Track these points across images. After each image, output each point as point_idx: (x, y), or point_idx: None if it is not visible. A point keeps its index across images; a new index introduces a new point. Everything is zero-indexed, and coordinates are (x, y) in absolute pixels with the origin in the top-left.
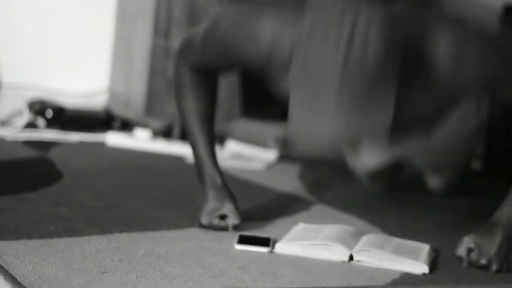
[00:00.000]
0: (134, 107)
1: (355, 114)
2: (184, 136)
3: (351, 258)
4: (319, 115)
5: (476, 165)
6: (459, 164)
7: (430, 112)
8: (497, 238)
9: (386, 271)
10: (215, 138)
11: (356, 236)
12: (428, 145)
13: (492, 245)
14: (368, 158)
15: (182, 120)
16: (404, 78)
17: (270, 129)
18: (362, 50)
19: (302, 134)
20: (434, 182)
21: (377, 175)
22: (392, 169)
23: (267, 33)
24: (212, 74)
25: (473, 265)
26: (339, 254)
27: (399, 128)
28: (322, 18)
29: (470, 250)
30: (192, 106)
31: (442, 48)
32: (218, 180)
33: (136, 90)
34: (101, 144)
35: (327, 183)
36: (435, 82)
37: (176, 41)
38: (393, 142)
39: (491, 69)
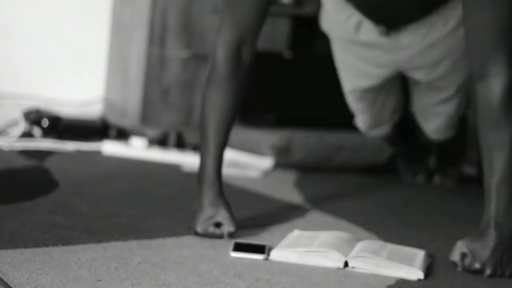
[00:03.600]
0: (130, 116)
1: None
2: (180, 144)
3: (346, 264)
4: None
5: (472, 170)
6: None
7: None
8: (490, 242)
9: (381, 277)
10: (226, 148)
11: (351, 242)
12: (424, 44)
13: (485, 250)
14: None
15: (201, 116)
16: None
17: (266, 137)
18: None
19: None
20: (429, 126)
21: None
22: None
23: None
24: (249, 55)
25: (467, 270)
26: (334, 260)
27: (391, 13)
28: None
29: (464, 255)
30: (217, 108)
31: None
32: (216, 188)
33: (132, 98)
34: (97, 153)
35: (322, 191)
36: None
37: (171, 50)
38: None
39: None
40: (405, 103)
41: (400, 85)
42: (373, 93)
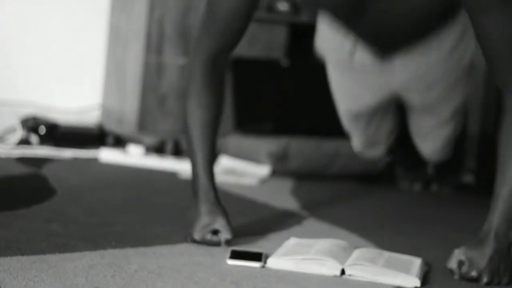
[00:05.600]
0: (127, 123)
1: None
2: (177, 152)
3: (343, 272)
4: None
5: (469, 178)
6: (457, 125)
7: (410, 22)
8: (487, 250)
9: (378, 285)
10: (216, 152)
11: (348, 250)
12: (419, 67)
13: (482, 258)
14: (370, 151)
15: (184, 129)
16: None
17: (263, 145)
18: None
19: None
20: (425, 148)
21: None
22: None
23: None
24: (224, 63)
25: (464, 277)
26: (331, 268)
27: (386, 35)
28: None
29: (461, 263)
30: (198, 114)
31: None
32: (212, 195)
33: (129, 106)
34: (94, 160)
35: (319, 198)
36: None
37: (168, 58)
38: (384, 49)
39: None
40: (402, 123)
41: (395, 109)
42: (368, 116)
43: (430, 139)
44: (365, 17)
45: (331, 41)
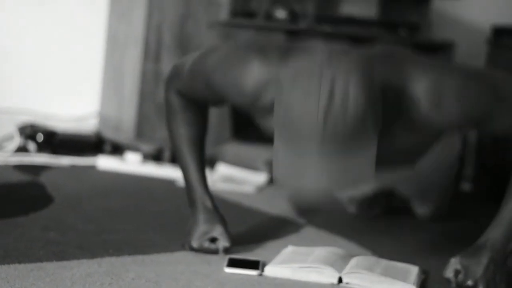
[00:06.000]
0: (124, 131)
1: (338, 167)
2: (174, 159)
3: (340, 280)
4: (301, 169)
5: (466, 187)
6: (445, 192)
7: (413, 148)
8: (484, 259)
9: None
10: (205, 162)
11: (345, 258)
12: (412, 175)
13: (478, 267)
14: (356, 190)
15: (172, 145)
16: (385, 124)
17: (260, 152)
18: (343, 104)
19: (286, 184)
20: (420, 209)
21: (365, 202)
22: (380, 196)
23: (252, 78)
24: (201, 103)
25: (461, 286)
26: (328, 276)
27: (383, 165)
28: (303, 70)
29: (457, 272)
30: (183, 131)
31: (421, 90)
32: (209, 204)
33: (127, 114)
34: (92, 168)
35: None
36: (416, 122)
37: (166, 66)
38: (379, 176)
39: (471, 109)
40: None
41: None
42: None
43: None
44: None
45: None
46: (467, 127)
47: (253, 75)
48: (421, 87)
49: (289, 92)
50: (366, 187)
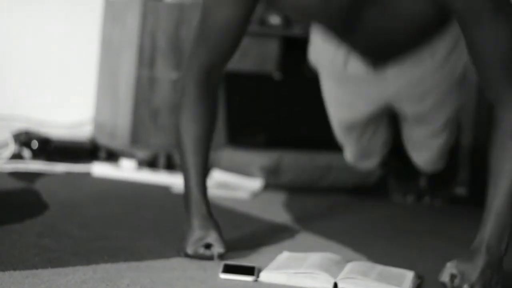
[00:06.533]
0: (119, 137)
1: None
2: (170, 165)
3: (335, 286)
4: None
5: (461, 191)
6: (450, 135)
7: (412, 20)
8: (479, 263)
9: None
10: (208, 166)
11: (340, 263)
12: (412, 77)
13: (474, 271)
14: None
15: (177, 140)
16: None
17: (255, 158)
18: None
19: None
20: (419, 158)
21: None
22: (388, 156)
23: None
24: (218, 78)
25: None
26: (323, 282)
27: (384, 38)
28: None
29: (453, 276)
30: (191, 128)
31: None
32: (204, 209)
33: (122, 120)
34: (87, 175)
35: (311, 211)
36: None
37: (160, 72)
38: (378, 59)
39: None
40: (396, 134)
41: (388, 120)
42: (360, 127)
43: (424, 149)
44: (358, 29)
45: (324, 52)
46: (457, 15)
47: None
48: None
49: None
50: (374, 161)
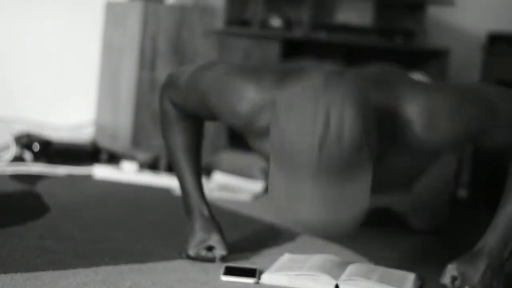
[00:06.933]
0: (120, 140)
1: (333, 195)
2: (171, 168)
3: (336, 287)
4: (296, 195)
5: (462, 193)
6: (441, 208)
7: (409, 172)
8: (480, 266)
9: None
10: (201, 170)
11: (341, 265)
12: (409, 195)
13: (475, 273)
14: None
15: (167, 152)
16: (380, 149)
17: (257, 161)
18: (339, 133)
19: (282, 212)
20: (416, 222)
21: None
22: (375, 212)
23: (247, 101)
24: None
25: None
26: (325, 284)
27: (380, 191)
28: (298, 96)
29: (454, 278)
30: (179, 139)
31: (414, 112)
32: (205, 212)
33: (123, 122)
34: (88, 177)
35: None
36: (411, 145)
37: (161, 74)
38: (374, 200)
39: (466, 128)
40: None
41: None
42: None
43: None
44: None
45: None
46: (463, 146)
47: (248, 99)
48: (414, 109)
49: (284, 120)
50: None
